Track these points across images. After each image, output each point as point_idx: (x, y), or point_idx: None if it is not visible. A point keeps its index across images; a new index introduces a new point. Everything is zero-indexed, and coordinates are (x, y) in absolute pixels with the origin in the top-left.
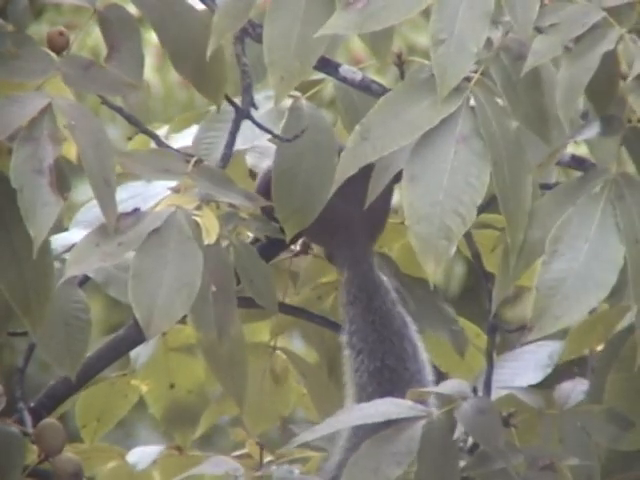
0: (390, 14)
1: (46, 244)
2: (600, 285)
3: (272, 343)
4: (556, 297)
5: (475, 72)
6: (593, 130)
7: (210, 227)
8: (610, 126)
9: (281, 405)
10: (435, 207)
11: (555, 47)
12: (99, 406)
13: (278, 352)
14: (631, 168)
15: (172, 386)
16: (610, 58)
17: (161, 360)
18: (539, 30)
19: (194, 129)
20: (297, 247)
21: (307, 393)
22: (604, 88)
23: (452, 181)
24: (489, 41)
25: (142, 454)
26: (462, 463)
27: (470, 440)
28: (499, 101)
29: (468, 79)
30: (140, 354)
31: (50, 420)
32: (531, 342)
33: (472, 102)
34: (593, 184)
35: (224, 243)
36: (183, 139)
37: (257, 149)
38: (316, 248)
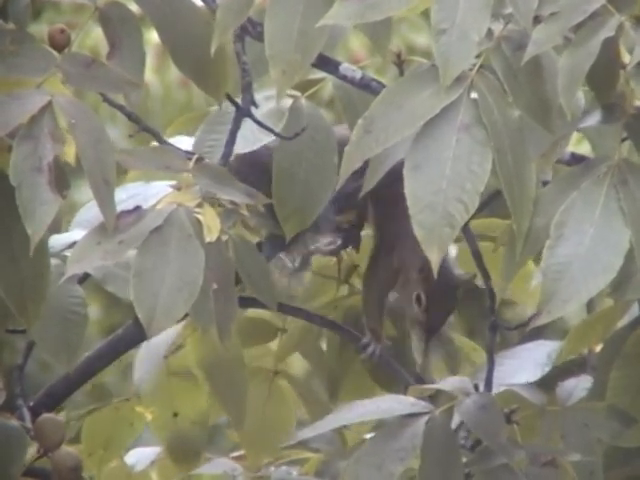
0: (391, 4)
1: (43, 243)
2: (606, 268)
3: (274, 368)
4: (563, 281)
5: (476, 62)
6: (595, 118)
7: (211, 224)
8: (612, 114)
9: (283, 432)
10: (438, 195)
11: (555, 36)
12: (105, 434)
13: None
14: (633, 159)
15: (176, 415)
16: (610, 45)
17: (164, 386)
18: (538, 19)
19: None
20: (295, 264)
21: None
22: (605, 76)
23: (455, 169)
24: (490, 32)
25: (141, 455)
26: (464, 460)
27: (471, 438)
28: (500, 90)
29: (469, 68)
30: (144, 377)
31: (49, 415)
32: (532, 339)
33: (473, 92)
34: (596, 170)
35: (223, 239)
36: (183, 143)
37: None
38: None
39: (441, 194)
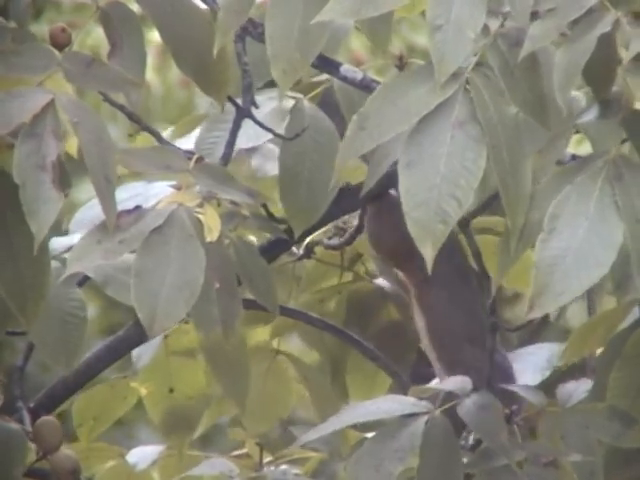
0: (386, 0)
1: (43, 242)
2: (600, 262)
3: (273, 346)
4: (556, 274)
5: (472, 59)
6: (591, 114)
7: (212, 224)
8: (609, 110)
9: (281, 407)
10: (432, 191)
11: (552, 32)
12: (97, 406)
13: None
14: (634, 158)
15: (171, 390)
16: (607, 41)
17: (162, 364)
18: (535, 16)
19: (197, 133)
20: (300, 251)
21: (309, 395)
22: (602, 72)
23: (449, 166)
24: (486, 28)
25: (142, 454)
26: (464, 460)
27: (471, 438)
28: (497, 86)
29: (465, 65)
30: (142, 355)
31: (48, 417)
32: (531, 339)
33: (468, 88)
34: (592, 165)
35: (225, 242)
36: (187, 143)
37: (261, 151)
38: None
39: (435, 190)
